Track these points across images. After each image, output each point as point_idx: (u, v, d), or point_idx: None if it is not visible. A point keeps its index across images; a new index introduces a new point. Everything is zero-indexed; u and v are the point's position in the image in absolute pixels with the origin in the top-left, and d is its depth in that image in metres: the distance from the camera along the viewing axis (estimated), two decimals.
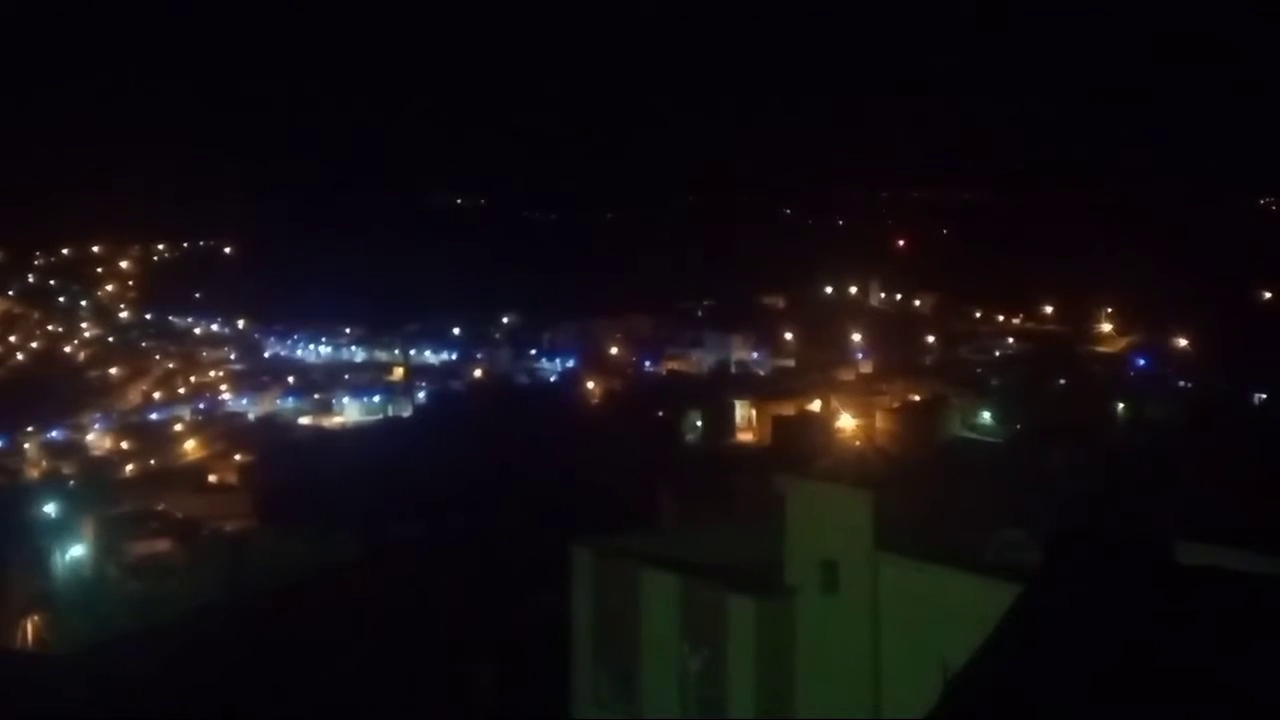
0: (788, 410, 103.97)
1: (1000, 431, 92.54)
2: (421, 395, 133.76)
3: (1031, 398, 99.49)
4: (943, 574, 20.29)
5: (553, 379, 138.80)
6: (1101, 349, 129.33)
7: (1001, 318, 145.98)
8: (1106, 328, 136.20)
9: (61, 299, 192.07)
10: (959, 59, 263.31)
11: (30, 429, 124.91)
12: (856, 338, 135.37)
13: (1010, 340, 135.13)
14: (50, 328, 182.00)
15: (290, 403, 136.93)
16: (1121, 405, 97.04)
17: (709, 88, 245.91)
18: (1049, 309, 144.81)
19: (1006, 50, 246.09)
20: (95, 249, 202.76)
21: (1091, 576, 11.93)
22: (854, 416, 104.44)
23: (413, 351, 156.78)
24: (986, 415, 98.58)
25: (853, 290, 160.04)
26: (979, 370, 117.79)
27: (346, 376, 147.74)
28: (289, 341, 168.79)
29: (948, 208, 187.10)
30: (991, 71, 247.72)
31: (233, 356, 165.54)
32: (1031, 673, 10.02)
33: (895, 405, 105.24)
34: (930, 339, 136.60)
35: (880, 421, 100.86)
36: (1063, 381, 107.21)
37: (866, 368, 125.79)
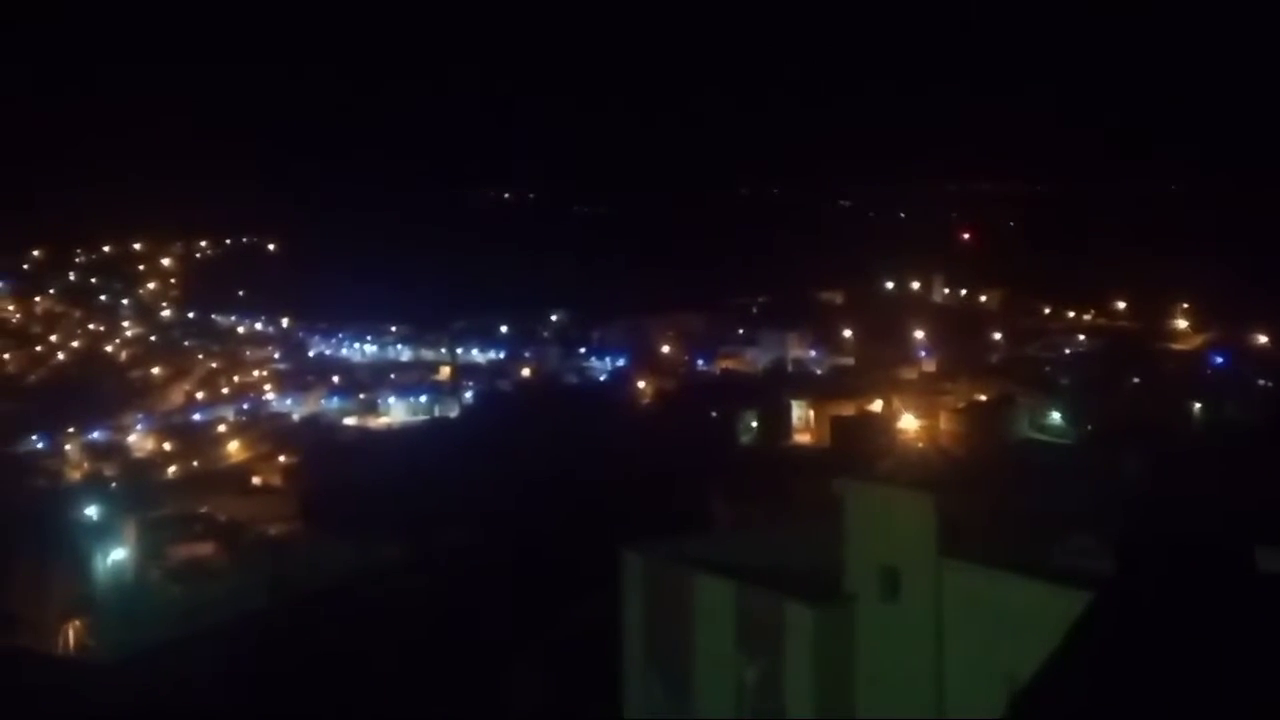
0: (847, 410, 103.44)
1: (1070, 433, 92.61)
2: (469, 395, 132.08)
3: (1103, 397, 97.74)
4: (1009, 581, 19.59)
5: (603, 378, 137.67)
6: (1176, 346, 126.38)
7: (1071, 314, 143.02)
8: (1182, 324, 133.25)
9: (103, 297, 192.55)
10: (1027, 48, 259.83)
11: (72, 430, 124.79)
12: (919, 335, 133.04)
13: (1080, 337, 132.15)
14: (92, 327, 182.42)
15: (335, 403, 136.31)
16: (1198, 405, 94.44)
17: (766, 79, 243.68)
18: (1121, 305, 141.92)
19: (1078, 38, 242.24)
20: (137, 246, 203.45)
21: (1166, 584, 11.91)
22: (916, 417, 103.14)
23: (459, 350, 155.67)
24: (1056, 416, 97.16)
25: (915, 285, 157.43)
26: (1048, 369, 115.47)
27: (392, 376, 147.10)
28: (334, 340, 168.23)
29: (1015, 200, 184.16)
30: (1063, 60, 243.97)
31: (277, 356, 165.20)
32: (1103, 685, 9.71)
33: (960, 405, 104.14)
34: (997, 336, 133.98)
35: (944, 422, 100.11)
36: (1136, 380, 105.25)
37: (930, 366, 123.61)
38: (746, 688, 23.28)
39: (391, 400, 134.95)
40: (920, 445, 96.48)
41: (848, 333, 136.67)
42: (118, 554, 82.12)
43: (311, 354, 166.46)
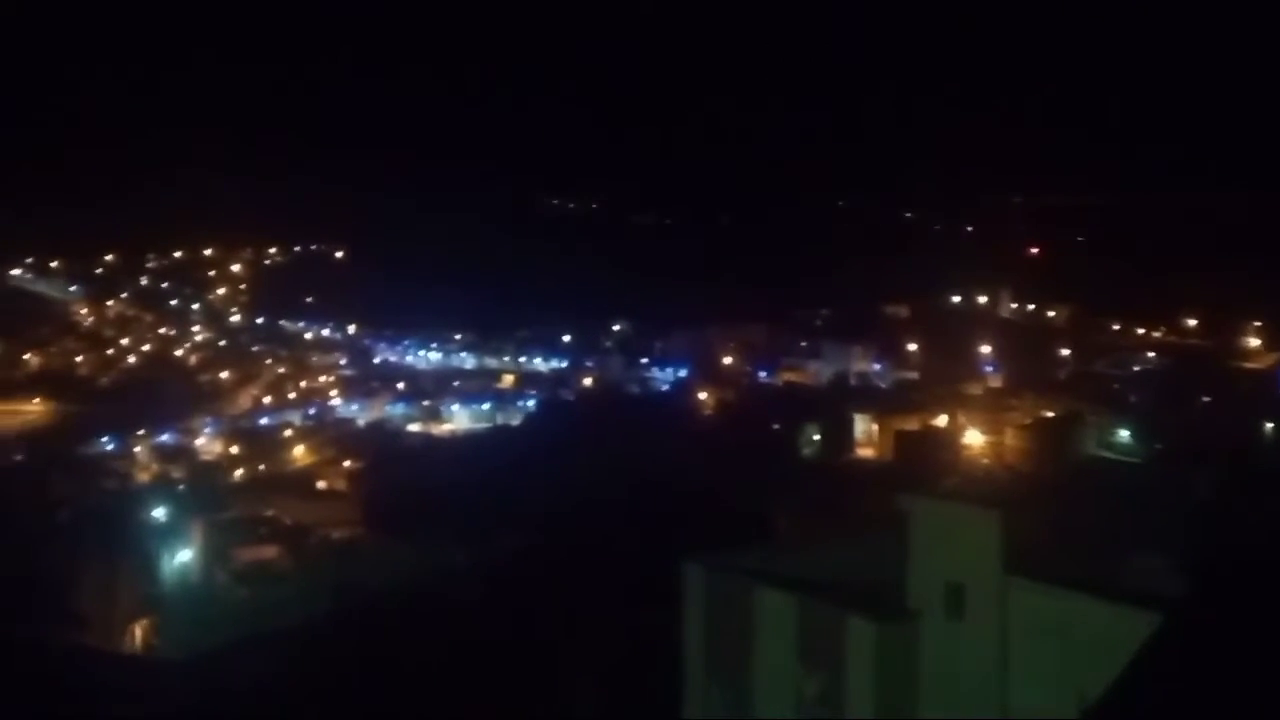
0: (911, 425, 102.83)
1: (1139, 451, 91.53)
2: (531, 403, 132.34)
3: (1173, 416, 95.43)
4: (1077, 600, 19.25)
5: (665, 389, 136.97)
6: (1248, 365, 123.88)
7: (1141, 330, 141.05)
8: (1254, 342, 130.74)
9: (174, 302, 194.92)
10: (1100, 60, 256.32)
11: (141, 432, 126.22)
12: (985, 350, 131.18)
13: (1150, 354, 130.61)
14: (162, 331, 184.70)
15: (399, 409, 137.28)
16: (1270, 424, 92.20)
17: (832, 90, 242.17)
18: (1192, 322, 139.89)
19: (1154, 50, 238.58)
20: (208, 252, 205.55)
21: (1237, 606, 11.53)
22: (982, 433, 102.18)
23: (522, 358, 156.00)
24: (1124, 433, 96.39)
25: (982, 300, 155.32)
26: (1116, 386, 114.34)
27: (455, 383, 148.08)
28: (399, 347, 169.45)
29: (1085, 213, 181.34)
30: (1137, 73, 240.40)
31: (343, 362, 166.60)
32: (1174, 707, 9.56)
33: (1026, 421, 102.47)
34: (1064, 352, 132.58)
35: (1010, 438, 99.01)
36: (1207, 399, 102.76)
37: (996, 382, 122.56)
38: (807, 701, 23.06)
39: (455, 407, 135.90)
40: (986, 461, 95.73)
41: (913, 346, 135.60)
42: (184, 555, 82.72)
43: (377, 361, 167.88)
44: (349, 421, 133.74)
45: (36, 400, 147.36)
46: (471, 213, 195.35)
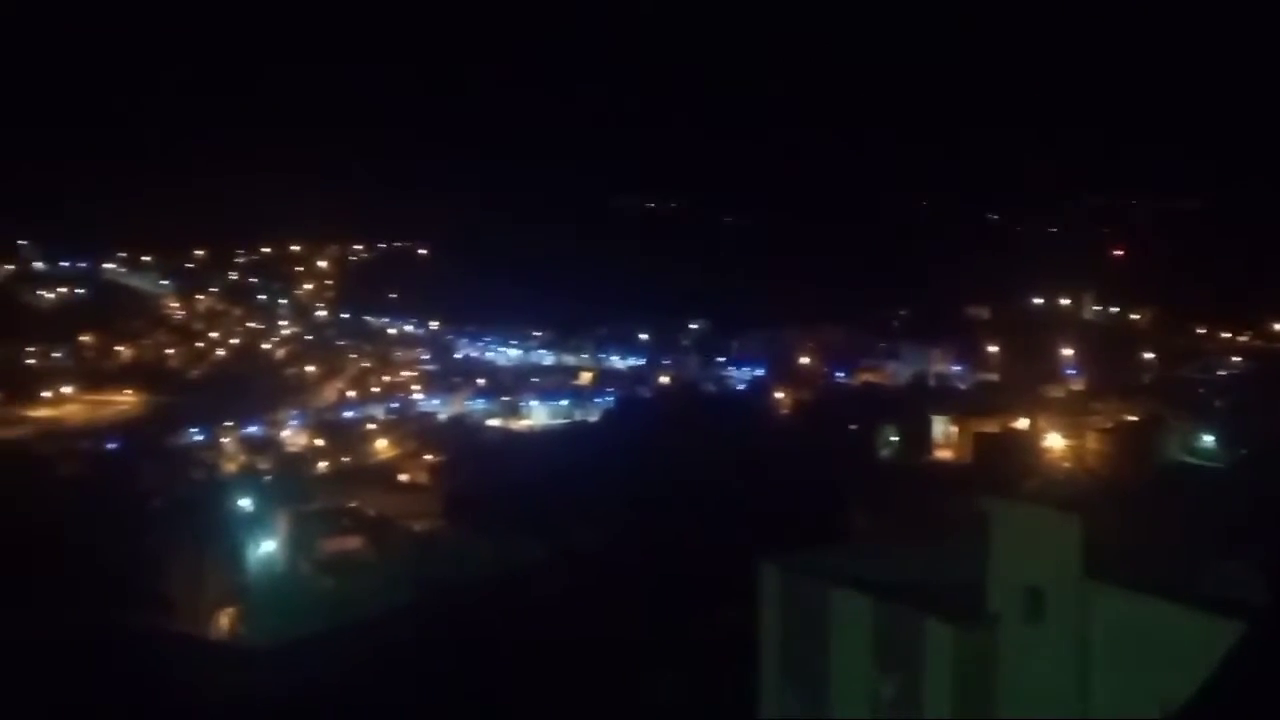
0: (991, 427, 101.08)
1: (1223, 456, 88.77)
2: (609, 400, 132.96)
3: (1258, 421, 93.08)
4: (1159, 606, 18.88)
5: (741, 388, 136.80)
6: None
7: (1226, 334, 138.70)
8: None
9: (261, 297, 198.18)
10: (1184, 60, 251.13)
11: (229, 424, 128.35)
12: (1067, 352, 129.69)
13: (1235, 359, 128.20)
14: (250, 325, 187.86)
15: (479, 404, 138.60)
16: None
17: (913, 90, 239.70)
18: (1279, 326, 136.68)
19: (1240, 50, 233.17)
20: (295, 248, 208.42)
21: None
22: (1063, 436, 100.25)
23: (600, 356, 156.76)
24: (1208, 438, 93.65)
25: (1064, 302, 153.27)
26: (1201, 390, 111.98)
27: (534, 379, 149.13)
28: (480, 343, 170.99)
29: (1170, 216, 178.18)
30: (1219, 74, 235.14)
31: (425, 357, 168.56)
32: (1258, 717, 9.41)
33: (1108, 425, 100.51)
34: (1148, 356, 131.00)
35: (1091, 442, 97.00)
36: None
37: (1077, 385, 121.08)
38: (883, 702, 22.95)
39: (533, 403, 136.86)
40: (1066, 465, 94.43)
41: (993, 348, 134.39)
42: (269, 545, 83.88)
43: (458, 356, 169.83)
44: (430, 416, 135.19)
45: (128, 391, 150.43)
46: (552, 211, 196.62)
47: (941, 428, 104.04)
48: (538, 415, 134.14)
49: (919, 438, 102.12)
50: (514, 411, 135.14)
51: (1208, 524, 21.51)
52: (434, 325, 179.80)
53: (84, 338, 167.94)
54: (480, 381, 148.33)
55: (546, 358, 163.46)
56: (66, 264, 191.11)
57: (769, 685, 25.99)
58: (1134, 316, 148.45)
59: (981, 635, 21.62)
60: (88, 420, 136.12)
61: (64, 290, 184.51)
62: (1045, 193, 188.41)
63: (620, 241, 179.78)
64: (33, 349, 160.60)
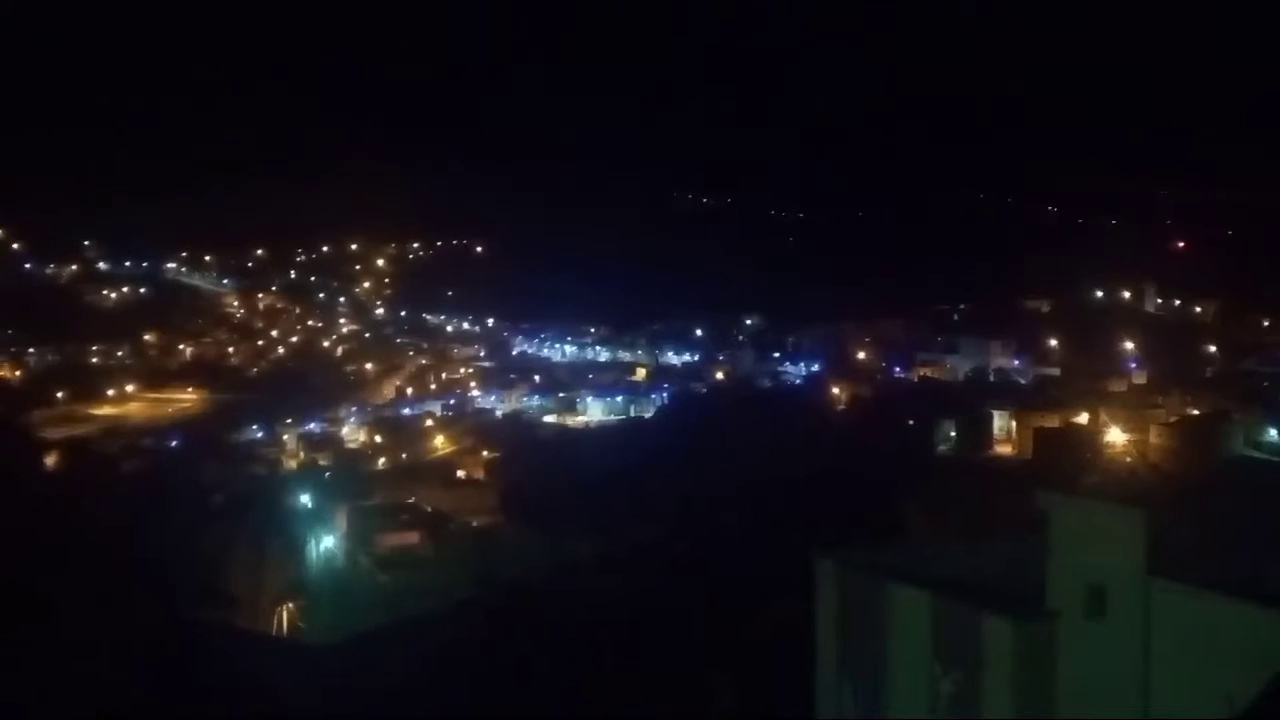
0: (1051, 422, 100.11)
1: None
2: (664, 396, 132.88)
3: None
4: (1225, 604, 18.26)
5: (797, 383, 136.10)
6: None
7: None
8: None
9: (321, 295, 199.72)
10: (1244, 53, 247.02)
11: (289, 421, 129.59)
12: (1129, 346, 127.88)
13: None
14: (310, 323, 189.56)
15: (536, 401, 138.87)
16: None
17: (972, 83, 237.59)
18: None
19: None
20: (353, 246, 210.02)
21: None
22: (1125, 431, 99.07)
23: (655, 352, 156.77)
24: (1273, 433, 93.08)
25: (1126, 294, 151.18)
26: (1265, 384, 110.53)
27: (590, 376, 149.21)
28: (536, 340, 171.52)
29: (1233, 207, 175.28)
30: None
31: (482, 354, 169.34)
32: None
33: (1171, 420, 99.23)
34: (1211, 349, 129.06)
35: (1154, 437, 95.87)
36: None
37: (1140, 378, 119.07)
38: (942, 700, 22.41)
39: (589, 400, 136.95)
40: (1129, 460, 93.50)
41: (1053, 342, 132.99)
42: (329, 540, 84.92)
43: (515, 353, 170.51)
44: (487, 412, 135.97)
45: (190, 389, 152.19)
46: (608, 208, 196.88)
47: (1001, 422, 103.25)
48: (593, 411, 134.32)
49: (978, 433, 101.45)
50: (570, 408, 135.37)
51: (1273, 520, 20.86)
52: (490, 322, 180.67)
53: (146, 336, 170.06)
54: (536, 378, 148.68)
55: (602, 354, 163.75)
56: (129, 264, 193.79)
57: (825, 683, 25.61)
58: (1197, 309, 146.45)
59: (1041, 632, 21.20)
60: (150, 418, 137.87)
61: (127, 290, 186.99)
62: (1107, 184, 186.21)
63: (676, 237, 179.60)
64: (96, 348, 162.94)
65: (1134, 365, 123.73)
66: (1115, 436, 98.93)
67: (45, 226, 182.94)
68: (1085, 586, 20.55)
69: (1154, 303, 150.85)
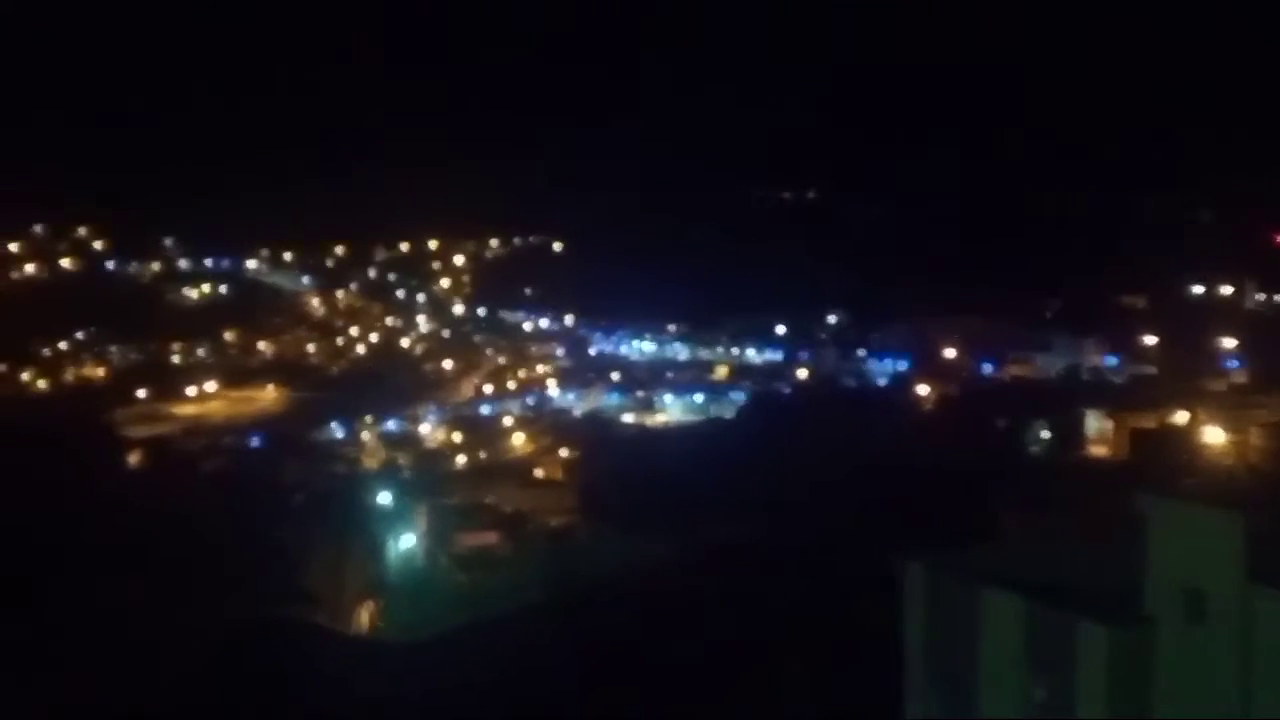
0: (1148, 422, 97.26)
1: None
2: (744, 396, 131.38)
3: None
4: None
5: (882, 382, 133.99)
6: None
7: None
8: None
9: (400, 293, 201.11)
10: None
11: (368, 419, 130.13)
12: (1229, 343, 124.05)
13: None
14: (389, 321, 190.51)
15: (614, 400, 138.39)
16: None
17: (1060, 77, 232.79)
18: None
19: None
20: (432, 245, 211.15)
21: None
22: (1224, 431, 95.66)
23: (736, 350, 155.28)
24: None
25: (1226, 290, 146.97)
26: None
27: (669, 375, 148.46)
28: (614, 338, 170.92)
29: None
30: None
31: (560, 352, 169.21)
32: None
33: (1273, 420, 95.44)
34: None
35: (1256, 438, 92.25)
36: None
37: (1240, 377, 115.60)
38: (1034, 706, 22.37)
39: (668, 398, 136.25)
40: (1228, 462, 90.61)
41: (1150, 339, 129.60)
42: (408, 540, 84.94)
43: (593, 351, 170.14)
44: (566, 411, 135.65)
45: (270, 387, 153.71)
46: (688, 204, 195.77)
47: (1096, 423, 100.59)
48: (672, 410, 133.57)
49: (1071, 433, 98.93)
50: (649, 407, 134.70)
51: None
52: (569, 320, 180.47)
53: (227, 335, 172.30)
54: (615, 376, 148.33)
55: (681, 352, 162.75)
56: (210, 262, 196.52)
57: (914, 687, 25.68)
58: None
59: (1137, 637, 20.97)
60: (231, 416, 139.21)
61: (207, 288, 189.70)
62: (1206, 178, 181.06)
63: (757, 233, 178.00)
64: (177, 346, 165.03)
65: (1234, 363, 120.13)
66: (1214, 437, 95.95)
67: (126, 225, 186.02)
68: (1183, 592, 20.38)
69: (1254, 298, 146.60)
